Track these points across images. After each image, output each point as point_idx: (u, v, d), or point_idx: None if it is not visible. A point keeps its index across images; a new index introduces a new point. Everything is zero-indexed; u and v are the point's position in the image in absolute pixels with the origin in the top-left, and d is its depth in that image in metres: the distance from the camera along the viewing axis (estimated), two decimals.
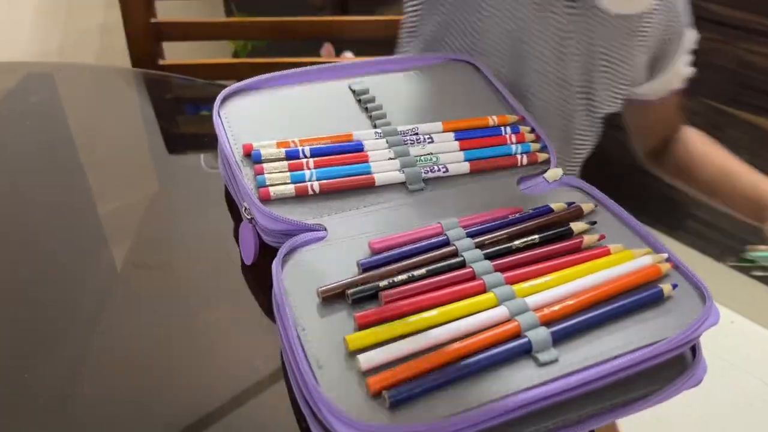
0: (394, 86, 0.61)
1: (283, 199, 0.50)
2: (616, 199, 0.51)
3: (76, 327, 0.50)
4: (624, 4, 0.66)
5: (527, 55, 0.68)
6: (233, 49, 1.66)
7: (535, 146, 0.56)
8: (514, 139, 0.56)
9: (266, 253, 0.50)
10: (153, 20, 1.03)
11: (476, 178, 0.54)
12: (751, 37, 1.05)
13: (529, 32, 0.67)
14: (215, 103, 0.56)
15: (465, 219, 0.49)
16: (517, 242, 0.47)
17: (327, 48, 1.33)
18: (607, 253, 0.46)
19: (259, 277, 0.52)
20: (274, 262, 0.45)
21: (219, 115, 0.55)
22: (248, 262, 0.52)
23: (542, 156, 0.56)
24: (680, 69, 0.75)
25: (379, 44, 1.25)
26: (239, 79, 0.58)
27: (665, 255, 0.46)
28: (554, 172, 0.54)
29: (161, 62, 1.06)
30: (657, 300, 0.43)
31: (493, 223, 0.48)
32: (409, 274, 0.44)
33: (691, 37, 0.74)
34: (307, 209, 0.50)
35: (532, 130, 0.58)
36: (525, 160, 0.55)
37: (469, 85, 0.63)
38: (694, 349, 0.43)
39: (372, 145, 0.54)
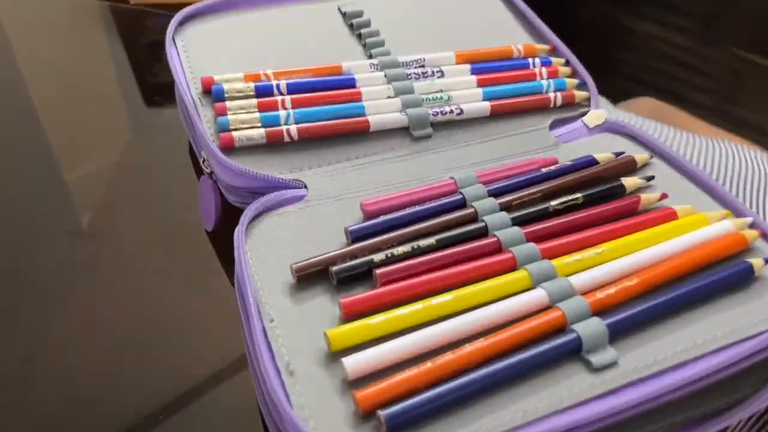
0: (395, 7, 0.49)
1: (251, 148, 0.39)
2: None
3: (28, 305, 0.40)
4: None
5: None
6: None
7: (572, 82, 0.45)
8: (545, 73, 0.45)
9: (232, 216, 0.39)
10: None
11: (498, 123, 0.42)
12: None
13: None
14: (169, 27, 0.44)
15: (485, 172, 0.38)
16: (554, 202, 0.35)
17: None
18: (674, 216, 0.35)
19: (224, 246, 0.41)
20: (236, 229, 0.34)
21: (174, 43, 0.44)
22: (209, 227, 0.41)
23: (580, 95, 0.44)
24: None
25: None
26: None
27: (750, 219, 0.35)
28: (596, 115, 0.43)
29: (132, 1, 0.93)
30: (745, 279, 0.32)
31: (522, 178, 0.37)
32: (414, 245, 0.33)
33: None
34: (282, 161, 0.39)
35: (567, 63, 0.46)
36: (559, 100, 0.43)
37: (488, 5, 0.51)
38: None
39: (366, 79, 0.43)
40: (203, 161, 0.39)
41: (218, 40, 0.45)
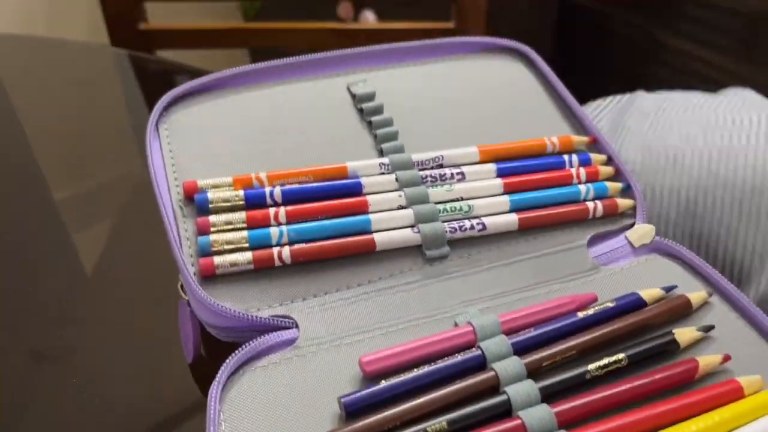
0: (413, 89, 0.42)
1: (231, 276, 0.33)
2: None
3: None
4: None
5: None
6: (242, 10, 1.44)
7: (615, 186, 0.38)
8: (583, 174, 0.38)
9: (215, 348, 0.34)
10: None
11: (527, 238, 0.36)
12: None
13: None
14: (153, 113, 0.38)
15: (509, 316, 0.31)
16: (592, 366, 0.29)
17: (344, 6, 1.12)
18: (739, 392, 0.29)
19: (206, 383, 0.35)
20: (210, 391, 0.28)
21: (157, 132, 0.38)
22: (188, 359, 0.35)
23: (624, 204, 0.37)
24: None
25: (409, 2, 1.05)
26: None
27: None
28: (643, 232, 0.36)
29: (143, 26, 0.87)
30: None
31: (554, 327, 0.31)
32: (422, 427, 0.27)
33: None
34: (270, 290, 0.33)
35: (610, 160, 0.39)
36: (600, 210, 0.37)
37: (519, 86, 0.44)
38: None
39: (375, 184, 0.36)
40: (180, 286, 0.34)
41: (209, 128, 0.39)
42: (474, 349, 0.30)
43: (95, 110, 0.63)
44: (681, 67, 1.19)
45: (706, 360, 0.30)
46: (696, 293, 0.33)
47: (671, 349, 0.30)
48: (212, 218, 0.34)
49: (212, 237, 0.33)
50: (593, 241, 0.36)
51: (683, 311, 0.32)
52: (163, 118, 0.39)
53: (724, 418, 0.27)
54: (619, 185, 0.38)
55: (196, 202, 0.34)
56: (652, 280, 0.34)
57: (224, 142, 0.38)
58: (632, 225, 0.37)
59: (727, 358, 0.30)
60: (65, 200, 0.53)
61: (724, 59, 1.12)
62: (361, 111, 0.40)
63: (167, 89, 0.39)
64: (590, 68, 1.32)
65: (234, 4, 1.29)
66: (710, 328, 0.31)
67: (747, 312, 0.32)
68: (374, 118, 0.40)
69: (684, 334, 0.31)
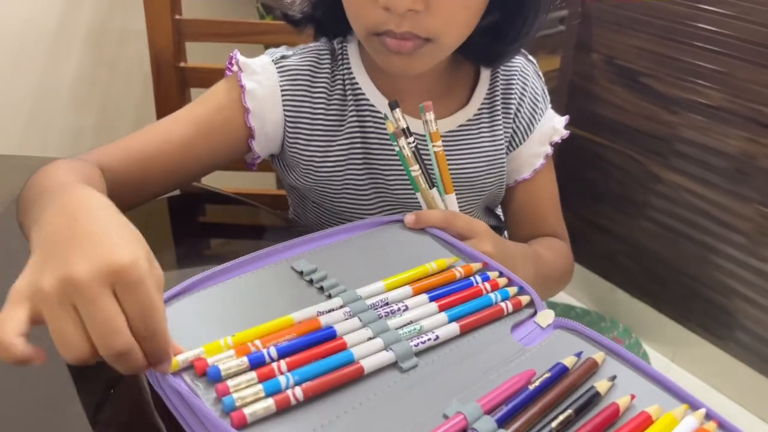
0: (340, 257, 0.52)
1: (259, 422, 0.38)
2: (655, 301, 0.46)
3: None
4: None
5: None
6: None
7: (513, 290, 0.49)
8: (488, 287, 0.49)
9: None
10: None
11: (469, 339, 0.46)
12: None
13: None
14: None
15: (484, 399, 0.40)
16: (554, 423, 0.39)
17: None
18: (650, 420, 0.40)
19: None
20: None
21: None
22: None
23: (524, 299, 0.49)
24: (540, 151, 0.74)
25: None
26: None
27: (704, 410, 0.40)
28: (545, 315, 0.48)
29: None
30: None
31: (518, 400, 0.40)
32: None
33: (551, 123, 0.74)
34: (293, 423, 0.39)
35: (501, 274, 0.51)
36: (510, 307, 0.48)
37: (415, 240, 0.55)
38: None
39: (344, 328, 0.44)
40: None
41: (194, 319, 0.44)
42: (470, 430, 0.38)
43: None
44: (673, 197, 1.27)
45: (622, 401, 0.41)
46: (597, 354, 0.44)
47: (596, 398, 0.41)
48: (229, 382, 0.39)
49: (234, 395, 0.39)
50: (514, 330, 0.47)
51: (593, 369, 0.43)
52: None
53: None
54: (515, 288, 0.50)
55: (209, 376, 0.40)
56: (563, 349, 0.45)
57: (211, 324, 0.44)
58: (535, 313, 0.48)
59: (633, 397, 0.41)
60: None
61: (711, 192, 1.21)
62: (310, 282, 0.49)
63: None
64: (590, 195, 1.36)
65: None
66: (613, 377, 0.43)
67: (632, 361, 0.44)
68: (324, 283, 0.48)
69: (601, 386, 0.42)
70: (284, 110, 0.65)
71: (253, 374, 0.40)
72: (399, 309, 0.46)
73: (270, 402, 0.39)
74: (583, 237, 1.38)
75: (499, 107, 0.70)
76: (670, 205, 1.26)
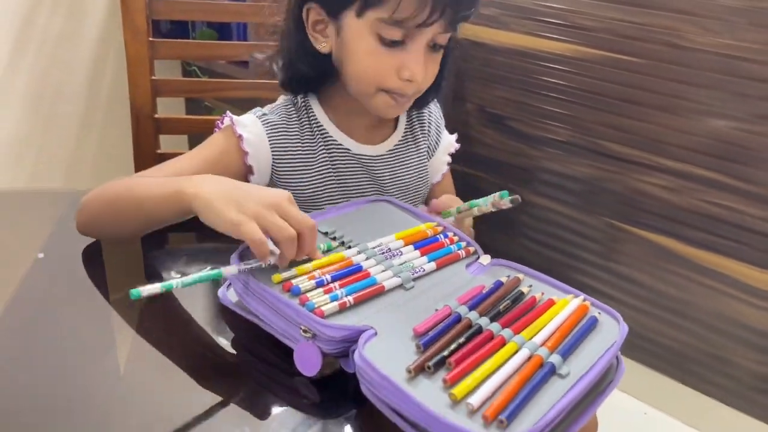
0: (348, 223, 0.76)
1: (330, 315, 0.62)
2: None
3: None
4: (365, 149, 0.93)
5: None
6: None
7: (463, 243, 0.76)
8: (448, 242, 0.75)
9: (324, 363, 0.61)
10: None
11: (441, 271, 0.71)
12: (639, 169, 1.21)
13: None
14: (234, 256, 0.65)
15: (459, 298, 0.66)
16: (500, 307, 0.65)
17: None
18: (552, 302, 0.67)
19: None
20: (355, 356, 0.57)
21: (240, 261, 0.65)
22: (313, 374, 0.61)
23: (471, 249, 0.75)
24: (444, 159, 1.05)
25: None
26: None
27: (582, 296, 0.68)
28: (485, 258, 0.74)
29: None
30: (595, 324, 0.64)
31: (478, 297, 0.66)
32: (456, 343, 0.59)
33: (449, 139, 1.05)
34: (353, 317, 0.62)
35: (455, 234, 0.77)
36: (464, 254, 0.74)
37: (393, 212, 0.81)
38: (617, 359, 0.64)
39: (367, 264, 0.69)
40: (303, 331, 0.61)
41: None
42: (453, 313, 0.63)
43: None
44: (538, 215, 1.42)
45: (537, 295, 0.67)
46: (519, 275, 0.71)
47: (521, 296, 0.68)
48: (308, 294, 0.62)
49: (313, 301, 0.62)
50: (468, 266, 0.73)
51: (518, 282, 0.70)
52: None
53: (554, 310, 0.65)
54: (464, 242, 0.76)
55: (292, 291, 0.63)
56: (499, 275, 0.71)
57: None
58: (478, 257, 0.75)
59: (542, 293, 0.68)
60: None
61: (569, 210, 1.36)
62: (333, 238, 0.72)
63: None
64: (474, 219, 1.41)
65: None
66: (531, 285, 0.69)
67: (539, 277, 0.71)
68: (344, 239, 0.72)
69: (523, 289, 0.68)
70: (272, 152, 0.88)
71: (320, 290, 0.63)
72: (397, 254, 0.71)
73: (335, 304, 0.62)
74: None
75: (418, 131, 0.98)
76: (538, 223, 1.42)
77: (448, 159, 1.05)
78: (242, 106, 0.94)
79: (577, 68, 1.26)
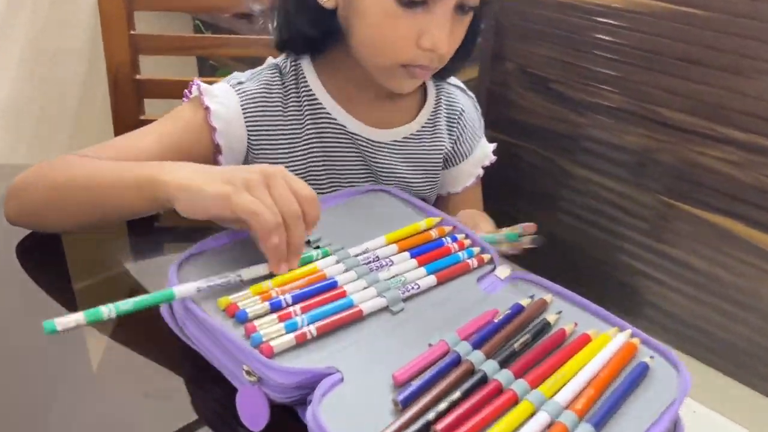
0: (330, 221, 0.59)
1: (283, 352, 0.46)
2: (573, 285, 0.55)
3: None
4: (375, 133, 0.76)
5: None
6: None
7: (477, 249, 0.58)
8: (456, 247, 0.58)
9: (275, 413, 0.46)
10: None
11: (444, 287, 0.54)
12: (698, 139, 1.11)
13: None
14: (172, 270, 0.50)
15: (461, 330, 0.49)
16: (515, 345, 0.48)
17: None
18: (589, 339, 0.49)
19: None
20: (308, 414, 0.41)
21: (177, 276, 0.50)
22: (258, 428, 0.46)
23: (486, 257, 0.58)
24: (473, 172, 0.85)
25: None
26: None
27: (630, 330, 0.50)
28: (503, 270, 0.57)
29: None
30: (645, 373, 0.47)
31: (486, 330, 0.49)
32: (448, 400, 0.43)
33: (485, 150, 0.86)
34: (312, 355, 0.46)
35: (467, 236, 0.60)
36: (475, 263, 0.57)
37: (392, 206, 0.64)
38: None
39: (345, 279, 0.52)
40: (246, 372, 0.45)
41: (213, 268, 0.51)
42: (450, 353, 0.47)
43: None
44: (582, 190, 1.31)
45: (568, 327, 0.50)
46: (546, 295, 0.53)
47: (547, 327, 0.50)
48: (256, 322, 0.47)
49: (261, 332, 0.46)
50: (480, 280, 0.56)
51: (544, 306, 0.53)
52: (181, 270, 0.51)
53: (590, 350, 0.48)
54: (478, 248, 0.58)
55: (237, 317, 0.47)
56: (519, 294, 0.54)
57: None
58: (494, 267, 0.57)
59: (576, 324, 0.51)
60: None
61: (616, 183, 1.26)
62: (308, 243, 0.56)
63: None
64: (509, 192, 1.41)
65: None
66: (560, 312, 0.52)
67: (574, 299, 0.54)
68: (319, 243, 0.56)
69: (550, 317, 0.51)
70: (247, 127, 0.72)
71: (274, 316, 0.48)
72: (386, 264, 0.55)
73: (291, 337, 0.46)
74: None
75: (442, 128, 0.80)
76: (580, 197, 1.32)
77: (479, 172, 0.86)
78: (254, 63, 0.78)
79: (631, 23, 1.13)
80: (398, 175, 0.77)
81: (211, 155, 0.71)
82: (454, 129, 0.81)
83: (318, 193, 0.76)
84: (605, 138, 1.24)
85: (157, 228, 0.73)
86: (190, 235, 0.63)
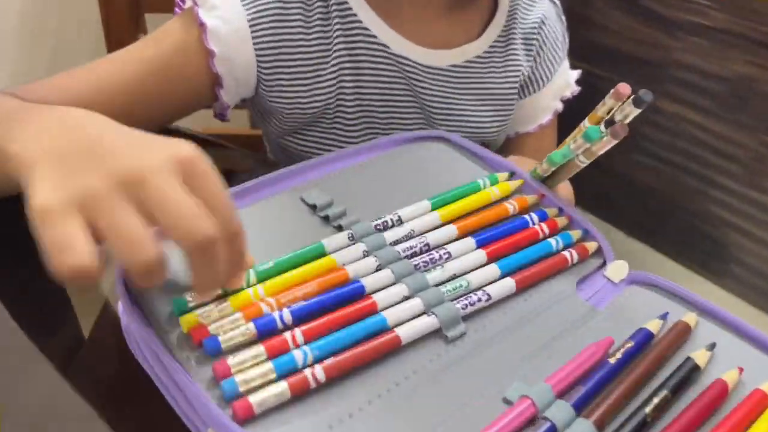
0: (359, 185, 0.41)
1: (270, 413, 0.29)
2: (659, 243, 0.36)
3: None
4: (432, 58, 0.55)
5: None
6: None
7: (576, 233, 0.39)
8: (546, 229, 0.39)
9: None
10: None
11: (524, 297, 0.36)
12: None
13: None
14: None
15: (554, 377, 0.31)
16: (648, 409, 0.29)
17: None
18: (766, 399, 0.30)
19: None
20: None
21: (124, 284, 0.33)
22: None
23: (591, 246, 0.39)
24: (550, 105, 0.63)
25: None
26: None
27: None
28: (617, 267, 0.38)
29: None
30: None
31: (597, 379, 0.31)
32: None
33: (565, 76, 0.64)
34: (313, 414, 0.29)
35: (561, 211, 0.41)
36: (575, 257, 0.38)
37: (451, 162, 0.44)
38: None
39: (375, 282, 0.34)
40: None
41: (178, 263, 0.34)
42: (541, 420, 0.29)
43: None
44: (667, 126, 1.16)
45: (729, 377, 0.31)
46: (687, 315, 0.34)
47: (695, 373, 0.31)
48: (230, 360, 0.30)
49: (237, 378, 0.29)
50: (579, 286, 0.37)
51: (685, 335, 0.33)
52: None
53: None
54: (579, 232, 0.39)
55: (206, 349, 0.30)
56: (643, 310, 0.35)
57: None
58: (603, 263, 0.38)
59: (741, 370, 0.31)
60: None
61: (709, 121, 1.11)
62: (326, 218, 0.38)
63: None
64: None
65: None
66: (713, 345, 0.33)
67: (728, 321, 0.34)
68: (342, 221, 0.38)
69: (699, 357, 0.32)
70: (256, 48, 0.52)
71: (260, 348, 0.30)
72: (440, 257, 0.36)
73: (283, 386, 0.29)
74: (576, 175, 1.31)
75: (517, 47, 0.58)
76: (666, 136, 1.15)
77: (558, 107, 0.64)
78: None
79: None
80: (457, 111, 0.57)
81: (208, 89, 0.53)
82: (533, 45, 0.60)
83: (348, 141, 0.57)
84: (701, 65, 1.06)
85: None
86: None
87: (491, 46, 0.57)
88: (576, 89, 0.65)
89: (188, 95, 0.52)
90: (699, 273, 1.23)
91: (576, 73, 0.65)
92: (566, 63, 0.64)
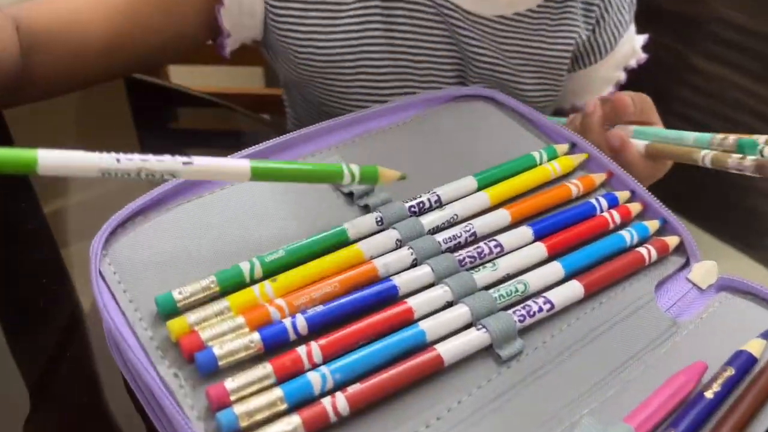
0: (390, 153, 0.34)
1: None
2: (694, 216, 0.30)
3: None
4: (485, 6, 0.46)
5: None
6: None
7: (653, 225, 0.32)
8: (617, 217, 0.32)
9: None
10: None
11: (593, 306, 0.29)
12: None
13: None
14: (93, 246, 0.26)
15: (638, 418, 0.24)
16: None
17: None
18: None
19: None
20: None
21: (101, 276, 0.26)
22: None
23: (672, 242, 0.31)
24: (612, 76, 0.55)
25: None
26: None
27: None
28: (705, 270, 0.31)
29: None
30: None
31: (694, 417, 0.24)
32: None
33: (630, 39, 0.54)
34: None
35: (633, 195, 0.33)
36: (654, 255, 0.31)
37: (500, 127, 0.37)
38: None
39: (411, 281, 0.27)
40: None
41: (166, 258, 0.27)
42: None
43: None
44: (705, 87, 1.12)
45: None
46: None
47: None
48: (229, 384, 0.23)
49: (237, 409, 0.22)
50: (657, 292, 0.30)
51: None
52: (109, 253, 0.27)
53: None
54: (656, 222, 0.32)
55: (198, 364, 0.23)
56: (738, 325, 0.28)
57: (192, 269, 0.27)
58: (686, 262, 0.31)
59: None
60: None
61: (747, 80, 1.07)
62: (349, 195, 0.31)
63: None
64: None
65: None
66: None
67: None
68: (371, 201, 0.30)
69: None
70: None
71: (267, 368, 0.24)
72: (490, 251, 0.29)
73: (296, 422, 0.22)
74: None
75: (575, 9, 0.49)
76: (703, 99, 1.11)
77: (621, 77, 0.55)
78: None
79: None
80: (501, 70, 0.49)
81: (209, 6, 0.45)
82: (594, 8, 0.51)
83: (375, 98, 0.50)
84: (743, 22, 1.01)
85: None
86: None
87: (546, 1, 0.49)
88: (643, 57, 0.55)
89: (188, 10, 0.46)
90: (737, 248, 1.17)
91: (642, 38, 0.56)
92: (633, 27, 0.55)
